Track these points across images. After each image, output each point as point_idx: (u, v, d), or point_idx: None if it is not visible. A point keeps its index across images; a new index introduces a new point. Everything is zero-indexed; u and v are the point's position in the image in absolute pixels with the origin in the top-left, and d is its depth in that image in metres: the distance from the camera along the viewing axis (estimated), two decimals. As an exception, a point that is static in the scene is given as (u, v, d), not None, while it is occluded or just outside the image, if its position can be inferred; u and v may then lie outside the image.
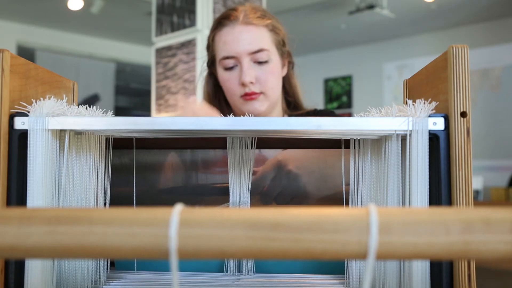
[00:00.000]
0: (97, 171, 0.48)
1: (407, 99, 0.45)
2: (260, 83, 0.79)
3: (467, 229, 0.28)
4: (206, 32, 2.38)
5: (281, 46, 0.83)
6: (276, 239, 0.28)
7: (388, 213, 0.28)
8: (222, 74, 0.81)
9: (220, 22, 0.82)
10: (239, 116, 0.87)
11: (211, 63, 0.85)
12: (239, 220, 0.28)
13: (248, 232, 0.28)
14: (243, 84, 0.79)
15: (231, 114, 0.85)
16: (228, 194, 0.52)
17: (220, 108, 0.85)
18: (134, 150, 0.53)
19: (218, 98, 0.86)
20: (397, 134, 0.42)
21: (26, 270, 0.41)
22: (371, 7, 3.42)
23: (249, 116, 0.43)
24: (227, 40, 0.80)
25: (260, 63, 0.79)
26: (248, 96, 0.79)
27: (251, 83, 0.78)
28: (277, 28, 0.83)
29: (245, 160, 0.52)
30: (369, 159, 0.47)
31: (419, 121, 0.41)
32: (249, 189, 0.53)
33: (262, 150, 0.64)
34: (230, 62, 0.79)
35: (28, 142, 0.41)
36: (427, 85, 0.48)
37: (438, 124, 0.41)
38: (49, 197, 0.43)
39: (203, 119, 0.42)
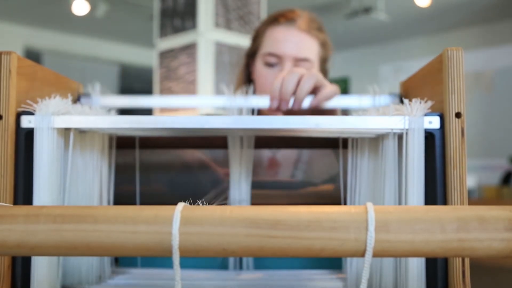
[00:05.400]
0: (101, 169, 0.49)
1: (403, 98, 0.46)
2: None
3: (462, 227, 0.29)
4: (208, 34, 2.40)
5: (323, 62, 0.85)
6: (276, 237, 0.29)
7: (385, 211, 0.29)
8: (260, 69, 0.82)
9: (276, 19, 0.83)
10: (262, 113, 0.86)
11: (252, 54, 0.85)
12: (239, 218, 0.29)
13: (248, 230, 0.29)
14: None
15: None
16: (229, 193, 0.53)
17: None
18: (137, 149, 0.54)
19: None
20: (393, 133, 0.43)
21: (32, 265, 0.42)
22: (367, 10, 3.43)
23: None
24: (278, 37, 0.80)
25: None
26: None
27: None
28: (327, 45, 0.84)
29: (246, 158, 0.53)
30: (366, 158, 0.48)
31: (415, 119, 0.42)
32: (250, 186, 0.53)
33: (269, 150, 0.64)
34: (272, 60, 0.80)
35: (34, 140, 0.42)
36: (422, 87, 0.49)
37: (433, 122, 0.42)
38: (54, 194, 0.43)
39: (204, 118, 0.43)
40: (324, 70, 0.86)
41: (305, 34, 0.81)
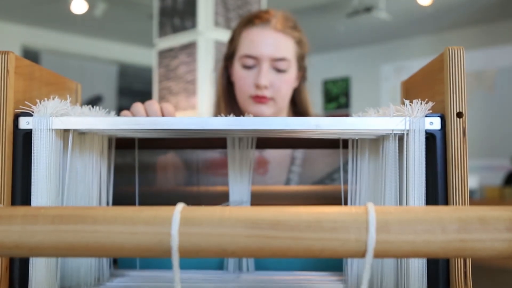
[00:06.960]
0: (100, 171, 0.49)
1: (404, 99, 0.46)
2: (273, 89, 0.81)
3: (463, 227, 0.29)
4: (207, 34, 2.40)
5: (301, 60, 0.85)
6: (276, 238, 0.28)
7: (385, 212, 0.29)
8: (238, 71, 0.82)
9: (251, 21, 0.83)
10: (244, 114, 0.87)
11: (229, 57, 0.86)
12: (239, 218, 0.29)
13: (248, 231, 0.28)
14: (257, 86, 0.80)
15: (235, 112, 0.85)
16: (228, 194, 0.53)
17: (231, 104, 0.86)
18: (136, 150, 0.53)
19: (229, 93, 0.86)
20: (394, 134, 0.43)
21: (30, 266, 0.42)
22: (368, 9, 3.43)
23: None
24: (254, 39, 0.81)
25: (278, 70, 0.81)
26: (258, 99, 0.80)
27: (265, 87, 0.80)
28: (303, 42, 0.85)
29: (245, 159, 0.53)
30: (367, 159, 0.47)
31: (416, 120, 0.42)
32: (250, 188, 0.53)
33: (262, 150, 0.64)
34: (250, 61, 0.80)
35: (32, 141, 0.42)
36: (423, 86, 0.49)
37: (434, 123, 0.42)
38: (53, 196, 0.43)
39: (203, 119, 0.42)
40: (302, 67, 0.86)
41: (280, 34, 0.81)
